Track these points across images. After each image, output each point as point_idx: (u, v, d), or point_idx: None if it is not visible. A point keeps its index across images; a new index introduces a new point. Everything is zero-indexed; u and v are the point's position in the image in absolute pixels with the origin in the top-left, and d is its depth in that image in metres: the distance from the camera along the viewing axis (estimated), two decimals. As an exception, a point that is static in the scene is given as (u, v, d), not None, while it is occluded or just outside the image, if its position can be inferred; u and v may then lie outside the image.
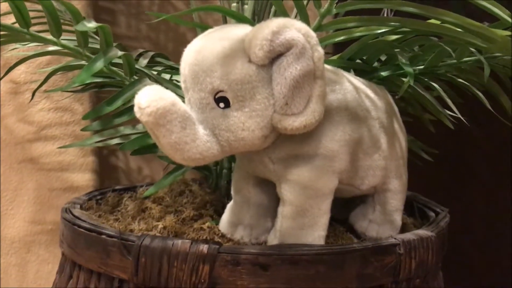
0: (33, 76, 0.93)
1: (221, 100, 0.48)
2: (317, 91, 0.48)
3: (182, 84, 0.51)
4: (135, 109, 0.46)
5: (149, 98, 0.45)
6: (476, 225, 0.96)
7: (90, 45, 0.61)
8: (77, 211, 0.62)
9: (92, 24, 0.51)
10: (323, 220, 0.53)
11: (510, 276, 0.94)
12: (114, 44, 0.72)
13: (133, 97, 0.56)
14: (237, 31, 0.49)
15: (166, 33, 1.10)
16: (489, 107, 0.60)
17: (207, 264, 0.49)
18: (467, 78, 0.64)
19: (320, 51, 0.47)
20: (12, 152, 0.93)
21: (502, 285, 0.94)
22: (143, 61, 0.74)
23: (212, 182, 0.69)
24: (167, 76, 0.71)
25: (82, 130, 0.61)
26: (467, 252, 0.96)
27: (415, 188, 0.72)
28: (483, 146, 0.95)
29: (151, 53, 0.80)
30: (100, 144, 0.67)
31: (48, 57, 0.91)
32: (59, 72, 0.85)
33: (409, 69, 0.51)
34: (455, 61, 0.60)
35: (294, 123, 0.48)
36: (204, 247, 0.50)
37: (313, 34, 0.47)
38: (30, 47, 0.78)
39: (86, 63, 0.63)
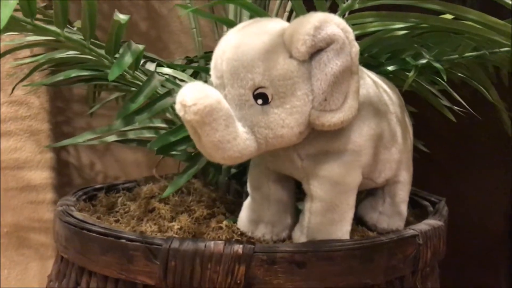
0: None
1: (259, 97, 0.47)
2: (354, 87, 0.48)
3: (215, 80, 0.49)
4: (178, 107, 0.43)
5: (195, 96, 0.42)
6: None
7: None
8: (78, 214, 0.59)
9: (125, 17, 0.47)
10: (350, 214, 0.53)
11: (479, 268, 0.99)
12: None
13: (153, 93, 0.53)
14: (273, 25, 0.48)
15: (118, 22, 1.05)
16: (492, 100, 0.63)
17: (243, 264, 0.48)
18: (462, 73, 0.66)
19: (356, 46, 0.47)
20: (-38, 150, 0.86)
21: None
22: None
23: (212, 178, 0.68)
24: (152, 67, 0.68)
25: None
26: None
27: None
28: (450, 140, 0.99)
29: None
30: (95, 142, 0.63)
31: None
32: (23, 64, 0.79)
33: (439, 65, 0.52)
34: (456, 56, 0.62)
35: (332, 119, 0.48)
36: (239, 248, 0.48)
37: (350, 29, 0.47)
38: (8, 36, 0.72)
39: (72, 55, 0.60)
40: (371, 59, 0.62)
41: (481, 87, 0.64)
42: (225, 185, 0.67)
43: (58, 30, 0.52)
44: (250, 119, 0.47)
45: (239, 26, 0.49)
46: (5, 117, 0.92)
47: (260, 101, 0.47)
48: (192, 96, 0.43)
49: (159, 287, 0.50)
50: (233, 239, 0.55)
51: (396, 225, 0.61)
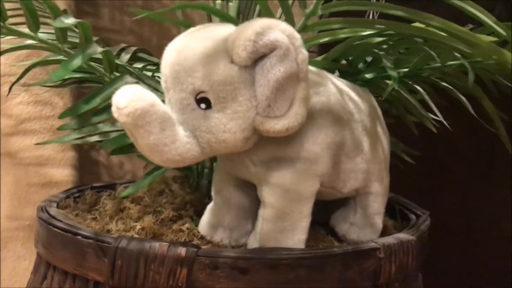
0: (12, 69, 0.91)
1: (202, 101, 0.47)
2: (301, 94, 0.47)
3: (162, 84, 0.49)
4: (113, 109, 0.45)
5: (128, 98, 0.43)
6: (453, 226, 0.96)
7: (71, 39, 0.60)
8: (53, 210, 0.61)
9: (70, 20, 0.49)
10: (304, 223, 0.52)
11: (489, 276, 0.95)
12: (96, 38, 0.69)
13: (112, 95, 0.55)
14: (220, 31, 0.48)
15: (150, 27, 1.08)
16: (472, 111, 0.60)
17: (185, 267, 0.49)
18: (451, 82, 0.63)
19: (304, 53, 0.47)
20: (-11, 146, 0.91)
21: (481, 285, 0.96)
22: (125, 57, 0.73)
23: (193, 182, 0.68)
24: (149, 73, 0.70)
25: (58, 129, 0.59)
26: (445, 254, 0.96)
27: (394, 189, 0.72)
28: (463, 149, 0.95)
29: (133, 48, 0.79)
30: (78, 141, 0.65)
31: (27, 50, 0.89)
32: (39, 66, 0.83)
33: (393, 73, 0.51)
34: (439, 64, 0.59)
35: (276, 125, 0.47)
36: (182, 250, 0.49)
37: (297, 35, 0.46)
38: (8, 39, 0.76)
39: (64, 58, 0.63)
40: (348, 66, 0.60)
41: (462, 97, 0.61)
42: (205, 188, 0.68)
43: (32, 33, 0.55)
44: (191, 123, 0.47)
45: (189, 31, 0.50)
46: (30, 116, 0.96)
47: (203, 106, 0.47)
48: (125, 99, 0.44)
49: (107, 284, 0.51)
50: (178, 242, 0.55)
51: (367, 237, 0.59)
